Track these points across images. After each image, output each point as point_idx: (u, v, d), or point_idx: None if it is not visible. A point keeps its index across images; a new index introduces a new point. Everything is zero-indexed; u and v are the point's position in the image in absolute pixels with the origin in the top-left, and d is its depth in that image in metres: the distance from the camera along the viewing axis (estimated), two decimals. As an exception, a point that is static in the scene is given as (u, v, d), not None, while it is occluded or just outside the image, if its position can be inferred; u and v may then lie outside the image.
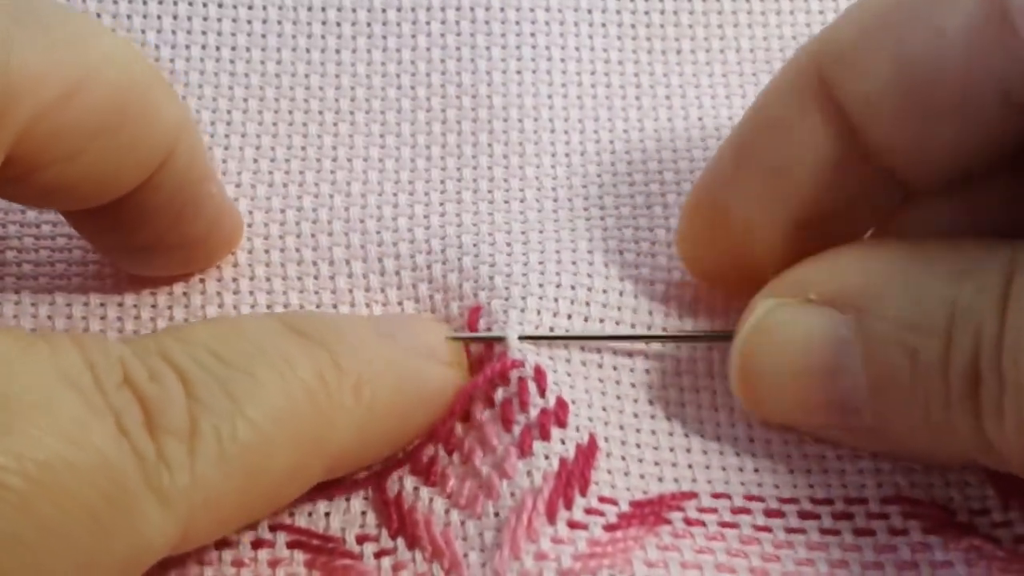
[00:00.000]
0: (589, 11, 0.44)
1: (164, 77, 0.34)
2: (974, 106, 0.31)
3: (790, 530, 0.34)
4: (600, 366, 0.37)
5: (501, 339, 0.36)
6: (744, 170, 0.35)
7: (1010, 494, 0.35)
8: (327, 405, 0.31)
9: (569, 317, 0.38)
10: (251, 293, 0.38)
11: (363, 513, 0.34)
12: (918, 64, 0.31)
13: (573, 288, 0.38)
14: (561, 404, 0.35)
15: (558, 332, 0.37)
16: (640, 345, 0.38)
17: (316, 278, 0.39)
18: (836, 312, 0.32)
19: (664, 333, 0.38)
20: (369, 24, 0.44)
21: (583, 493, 0.34)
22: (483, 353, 0.36)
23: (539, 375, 0.35)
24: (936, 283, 0.31)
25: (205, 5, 0.44)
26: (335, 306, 0.38)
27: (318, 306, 0.38)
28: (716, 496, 0.35)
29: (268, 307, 0.38)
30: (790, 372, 0.33)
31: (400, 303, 0.38)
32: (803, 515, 0.35)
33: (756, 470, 0.35)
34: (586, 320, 0.38)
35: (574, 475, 0.34)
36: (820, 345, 0.32)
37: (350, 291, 0.38)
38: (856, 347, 0.32)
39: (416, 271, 0.39)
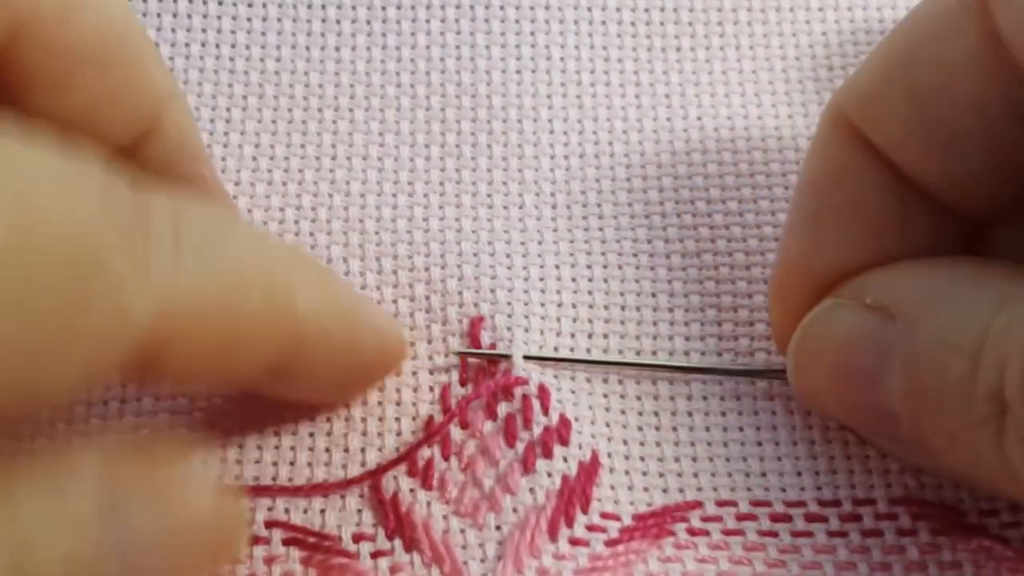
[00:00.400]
0: (589, 9, 0.44)
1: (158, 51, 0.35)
2: (992, 130, 0.32)
3: (796, 534, 0.34)
4: (605, 381, 0.37)
5: (507, 357, 0.37)
6: (820, 231, 0.35)
7: None
8: (288, 275, 0.31)
9: (572, 336, 0.38)
10: None
11: (359, 511, 0.34)
12: (931, 98, 0.32)
13: (575, 307, 0.38)
14: (564, 422, 0.36)
15: (562, 350, 0.38)
16: (647, 356, 0.38)
17: None
18: (886, 319, 0.32)
19: (669, 361, 0.38)
20: (369, 22, 0.44)
21: (584, 511, 0.34)
22: (484, 367, 0.37)
23: (543, 394, 0.36)
24: (978, 305, 0.31)
25: (205, 3, 0.44)
26: None
27: (312, 302, 0.38)
28: (721, 504, 0.35)
29: (262, 302, 0.38)
30: (834, 369, 0.33)
31: (395, 301, 0.38)
32: (810, 518, 0.35)
33: (763, 474, 0.35)
34: (590, 337, 0.38)
35: (576, 493, 0.34)
36: (864, 347, 0.33)
37: None
38: (896, 355, 0.32)
39: (414, 271, 0.39)
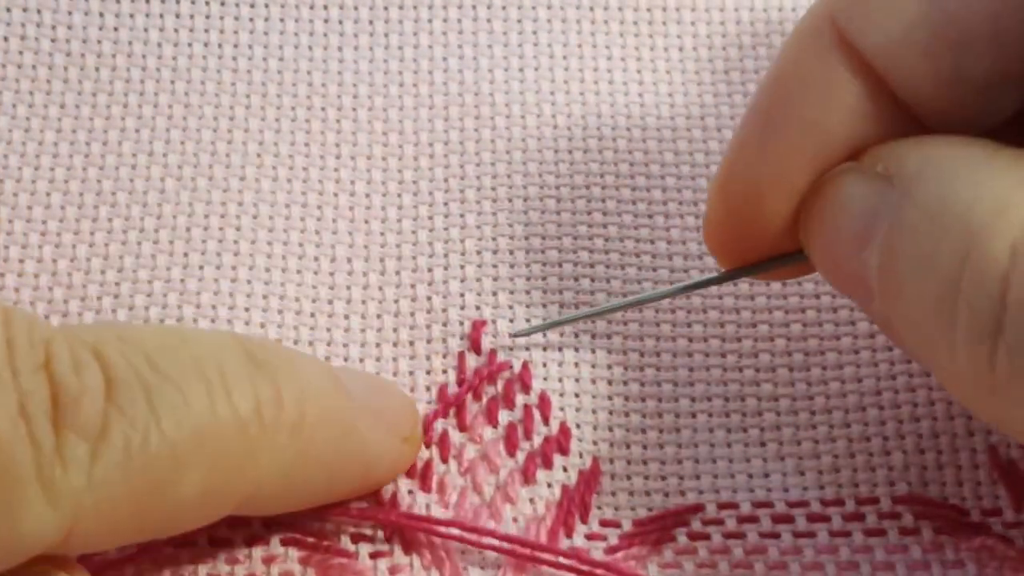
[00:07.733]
0: (591, 8, 0.44)
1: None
2: (1006, 33, 0.30)
3: (799, 534, 0.34)
4: (610, 382, 0.37)
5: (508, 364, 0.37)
6: (772, 137, 0.33)
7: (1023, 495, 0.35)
8: (256, 438, 0.29)
9: (576, 336, 0.38)
10: (249, 282, 0.38)
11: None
12: None
13: (576, 307, 0.38)
14: (564, 431, 0.36)
15: (567, 356, 0.37)
16: (651, 356, 0.37)
17: (316, 273, 0.39)
18: (889, 186, 0.30)
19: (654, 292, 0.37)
20: (371, 22, 0.44)
21: (584, 520, 0.34)
22: (483, 368, 0.37)
23: (543, 403, 0.36)
24: (991, 179, 0.28)
25: (207, 3, 0.44)
26: (331, 302, 0.38)
27: (315, 301, 0.38)
28: (723, 506, 0.35)
29: (264, 297, 0.38)
30: (830, 230, 0.32)
31: (396, 301, 0.38)
32: (813, 518, 0.35)
33: (766, 475, 0.35)
34: (593, 337, 0.38)
35: (575, 503, 0.35)
36: (857, 212, 0.31)
37: (348, 288, 0.39)
38: (884, 225, 0.30)
39: (416, 272, 0.39)
